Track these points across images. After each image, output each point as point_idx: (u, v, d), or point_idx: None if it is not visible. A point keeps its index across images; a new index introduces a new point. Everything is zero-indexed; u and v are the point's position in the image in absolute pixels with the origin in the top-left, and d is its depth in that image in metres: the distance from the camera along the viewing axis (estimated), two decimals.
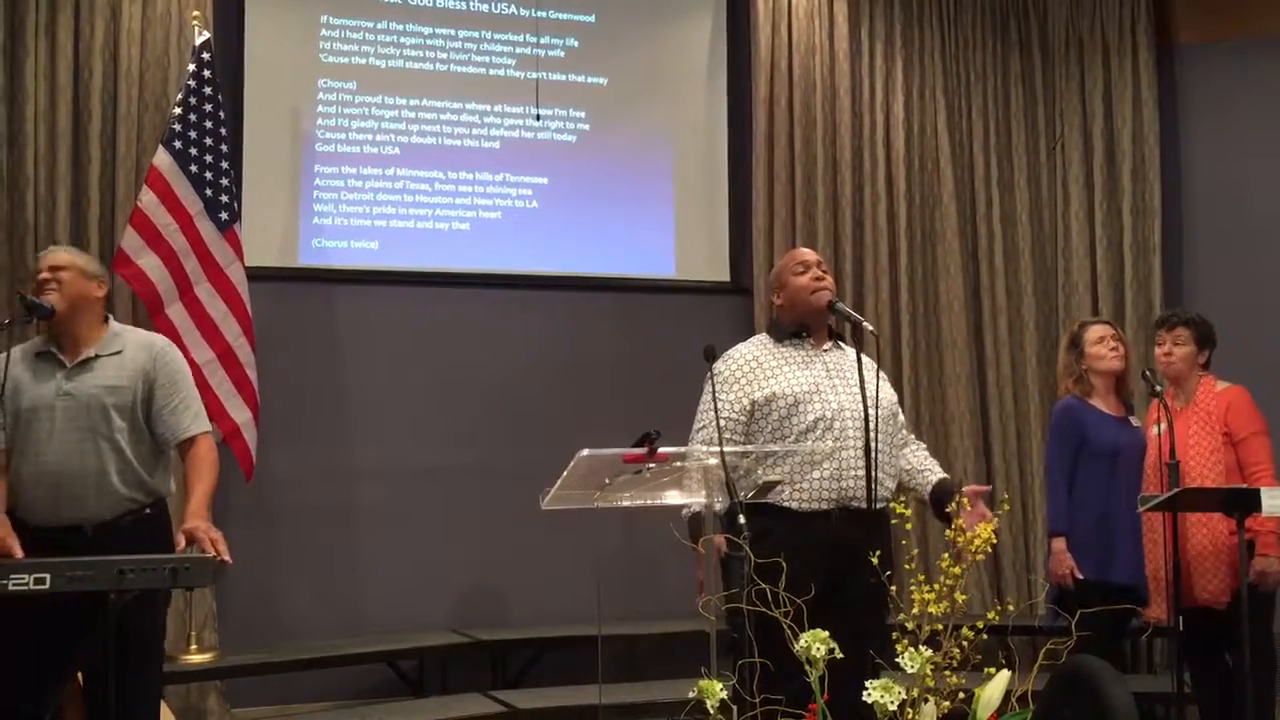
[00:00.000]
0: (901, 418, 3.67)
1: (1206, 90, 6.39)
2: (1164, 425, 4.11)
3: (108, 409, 3.44)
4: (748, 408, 3.46)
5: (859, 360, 3.41)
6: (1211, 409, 4.34)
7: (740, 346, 3.62)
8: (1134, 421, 4.58)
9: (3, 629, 3.14)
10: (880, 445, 3.35)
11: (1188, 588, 4.25)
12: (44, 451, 3.40)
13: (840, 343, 3.68)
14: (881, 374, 3.49)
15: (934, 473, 3.60)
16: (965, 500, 3.19)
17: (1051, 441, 4.59)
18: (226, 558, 3.15)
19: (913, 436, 3.75)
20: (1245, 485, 4.09)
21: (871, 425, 3.25)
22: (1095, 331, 4.54)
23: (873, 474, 3.26)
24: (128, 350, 3.52)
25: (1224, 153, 6.32)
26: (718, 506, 2.94)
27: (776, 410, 3.44)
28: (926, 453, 3.70)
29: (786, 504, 3.38)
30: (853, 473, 3.37)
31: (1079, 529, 4.38)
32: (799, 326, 3.59)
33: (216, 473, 3.54)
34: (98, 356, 3.49)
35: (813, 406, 3.42)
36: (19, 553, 3.17)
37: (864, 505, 3.32)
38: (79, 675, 3.49)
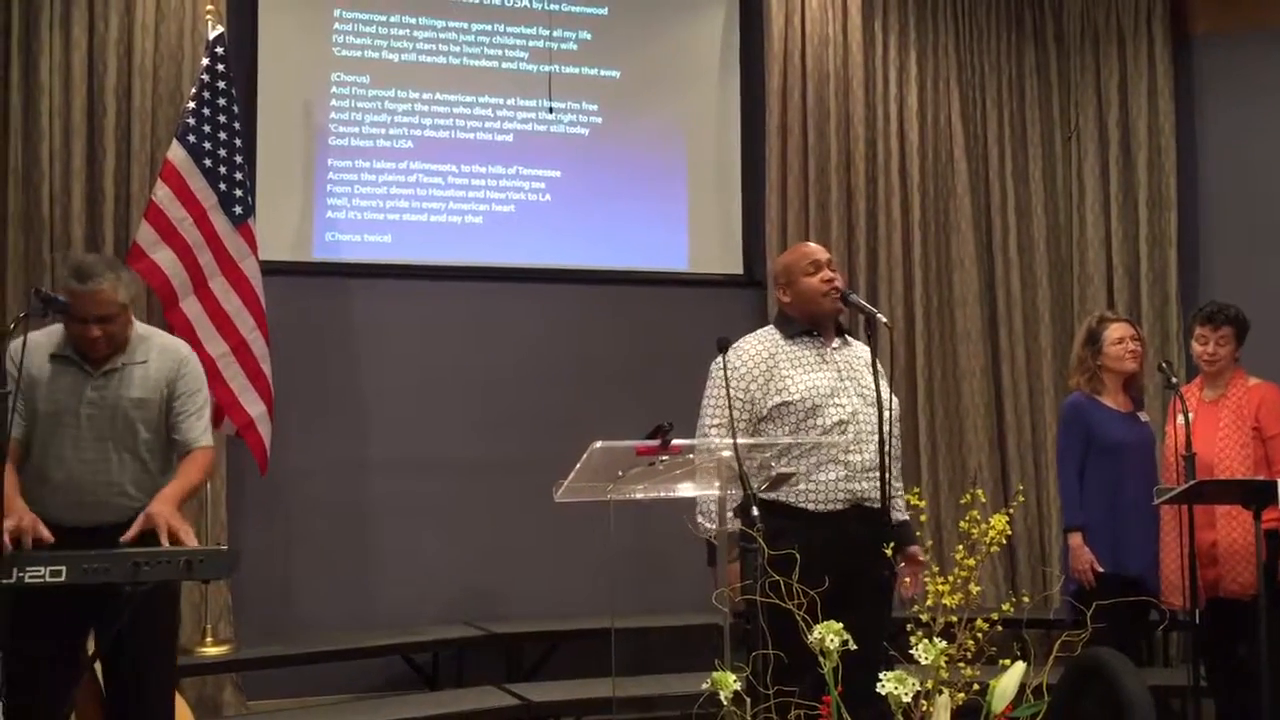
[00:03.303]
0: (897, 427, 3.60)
1: (1223, 81, 6.34)
2: (1181, 418, 4.10)
3: (134, 422, 3.44)
4: (760, 412, 3.44)
5: (874, 360, 3.42)
6: (1243, 403, 4.35)
7: (750, 340, 3.56)
8: (1142, 417, 4.58)
9: (18, 620, 3.15)
10: (891, 447, 3.34)
11: (1216, 579, 4.25)
12: (68, 460, 3.40)
13: (848, 338, 3.65)
14: (883, 374, 3.44)
15: (898, 511, 3.51)
16: (904, 563, 3.44)
17: (1061, 437, 4.61)
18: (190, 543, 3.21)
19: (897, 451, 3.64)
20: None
21: (885, 428, 3.22)
22: (1115, 330, 4.51)
23: (887, 477, 3.25)
24: (153, 359, 3.49)
25: (1241, 144, 6.26)
26: (730, 500, 2.94)
27: (794, 414, 3.42)
28: (900, 480, 3.61)
29: (802, 504, 3.39)
30: (866, 475, 3.38)
31: (1090, 524, 4.37)
32: (808, 325, 3.56)
33: (203, 479, 3.62)
34: (125, 366, 3.46)
35: (830, 411, 3.42)
36: (49, 537, 3.18)
37: (877, 505, 3.31)
38: (95, 667, 3.50)
